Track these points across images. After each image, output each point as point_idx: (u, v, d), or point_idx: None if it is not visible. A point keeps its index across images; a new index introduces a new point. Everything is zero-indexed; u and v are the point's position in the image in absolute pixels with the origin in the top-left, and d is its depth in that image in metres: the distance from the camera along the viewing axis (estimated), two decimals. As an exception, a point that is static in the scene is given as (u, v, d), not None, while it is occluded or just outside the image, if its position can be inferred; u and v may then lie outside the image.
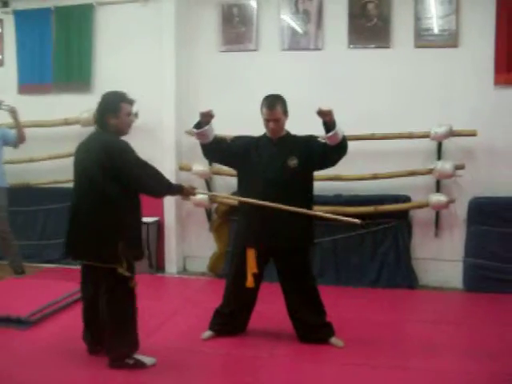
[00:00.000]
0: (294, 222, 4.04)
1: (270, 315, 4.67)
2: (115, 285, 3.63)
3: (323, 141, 4.00)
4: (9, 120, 5.96)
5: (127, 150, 3.64)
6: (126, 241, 3.60)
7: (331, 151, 4.01)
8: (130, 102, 3.80)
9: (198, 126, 4.15)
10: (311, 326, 4.22)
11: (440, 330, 4.58)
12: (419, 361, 3.94)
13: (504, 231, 5.63)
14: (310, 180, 4.20)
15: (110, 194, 3.56)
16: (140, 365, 3.70)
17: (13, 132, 5.96)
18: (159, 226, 6.51)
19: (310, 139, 4.13)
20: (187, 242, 6.66)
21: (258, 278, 4.16)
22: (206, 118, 4.11)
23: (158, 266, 6.51)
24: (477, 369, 3.80)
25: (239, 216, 4.37)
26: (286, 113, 4.10)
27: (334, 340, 4.20)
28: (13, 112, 5.81)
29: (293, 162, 4.04)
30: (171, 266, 6.48)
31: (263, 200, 3.99)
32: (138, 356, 3.74)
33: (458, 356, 4.02)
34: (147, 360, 3.75)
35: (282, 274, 4.22)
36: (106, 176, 3.55)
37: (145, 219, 6.31)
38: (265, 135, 4.20)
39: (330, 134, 3.90)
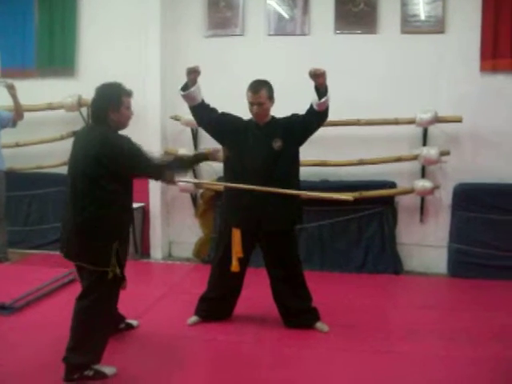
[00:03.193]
0: (280, 204, 4.04)
1: (255, 300, 4.67)
2: (100, 288, 3.41)
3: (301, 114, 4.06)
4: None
5: (128, 145, 3.43)
6: (120, 240, 3.48)
7: (314, 117, 4.02)
8: (129, 95, 3.59)
9: (186, 87, 4.13)
10: (297, 311, 4.24)
11: (424, 314, 4.62)
12: (404, 345, 3.97)
13: (488, 217, 5.67)
14: (296, 162, 4.19)
15: (107, 191, 3.36)
16: (100, 376, 3.40)
17: (7, 112, 5.92)
18: (144, 212, 6.48)
19: (291, 117, 4.16)
20: (172, 227, 6.63)
21: (244, 263, 4.15)
22: (193, 74, 4.07)
23: (143, 251, 6.48)
24: (460, 353, 3.84)
25: (223, 199, 4.34)
26: (271, 98, 4.08)
27: (319, 325, 4.23)
28: (11, 88, 5.76)
29: (277, 144, 4.04)
30: (156, 252, 6.46)
31: (250, 184, 3.98)
32: (97, 366, 3.41)
33: (441, 341, 4.06)
34: (107, 370, 3.44)
35: (267, 258, 4.22)
36: (104, 173, 3.34)
37: (130, 205, 6.31)
38: (251, 120, 4.19)
39: (323, 99, 3.92)
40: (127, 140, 3.47)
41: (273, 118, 4.19)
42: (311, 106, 4.03)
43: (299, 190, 4.21)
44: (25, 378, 3.45)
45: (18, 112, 5.90)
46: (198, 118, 4.35)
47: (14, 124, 5.97)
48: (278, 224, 4.09)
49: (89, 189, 3.36)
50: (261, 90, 4.02)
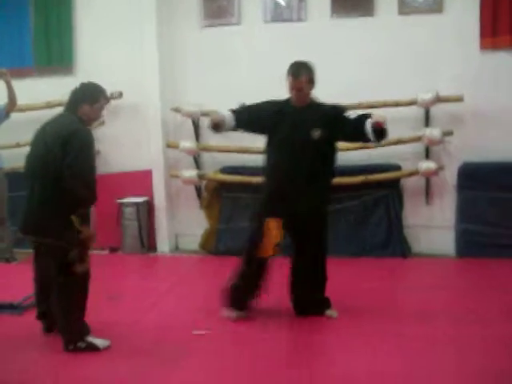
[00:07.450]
0: (316, 191, 4.00)
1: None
2: (64, 266, 3.59)
3: (351, 117, 3.93)
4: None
5: (84, 146, 3.60)
6: (79, 216, 3.58)
7: (363, 136, 3.92)
8: (107, 101, 3.96)
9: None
10: (312, 302, 4.22)
11: (433, 296, 4.60)
12: (413, 327, 3.96)
13: (494, 196, 5.64)
14: (333, 150, 4.09)
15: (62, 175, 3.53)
16: (92, 348, 3.67)
17: None
18: (149, 206, 6.46)
19: (338, 112, 4.02)
20: (178, 220, 6.61)
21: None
22: (218, 128, 4.08)
23: (150, 245, 6.47)
24: (469, 334, 3.83)
25: (263, 189, 4.20)
26: (311, 81, 3.96)
27: (329, 311, 4.21)
28: (4, 74, 5.72)
29: (316, 133, 3.91)
30: (163, 245, 6.46)
31: (287, 169, 3.95)
32: (91, 338, 3.69)
33: (450, 322, 4.05)
34: (100, 342, 3.70)
35: (299, 244, 4.12)
36: (59, 158, 3.54)
37: (134, 199, 6.36)
38: (289, 101, 4.06)
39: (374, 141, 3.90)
40: (91, 141, 3.67)
41: (312, 101, 4.06)
42: (363, 123, 3.86)
43: (333, 176, 4.19)
44: (36, 376, 3.47)
45: (11, 101, 5.81)
46: (240, 130, 4.34)
47: (7, 115, 5.88)
48: (314, 210, 4.04)
49: (45, 167, 3.62)
50: (300, 75, 3.91)
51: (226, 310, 4.19)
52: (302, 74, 3.92)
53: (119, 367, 3.53)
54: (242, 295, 4.17)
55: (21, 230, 3.83)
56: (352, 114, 4.00)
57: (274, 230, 3.97)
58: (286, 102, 4.07)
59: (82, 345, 3.65)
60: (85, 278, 3.71)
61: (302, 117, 3.97)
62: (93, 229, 3.85)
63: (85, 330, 3.71)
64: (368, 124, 3.81)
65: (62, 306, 3.65)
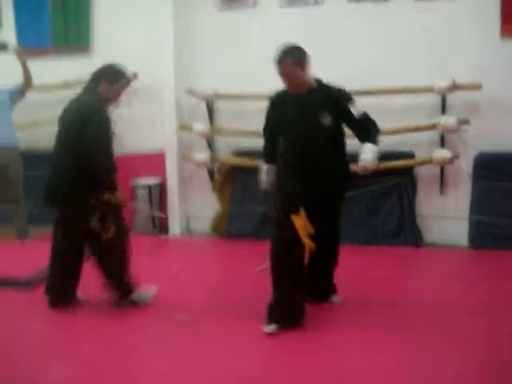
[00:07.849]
0: (328, 177, 3.83)
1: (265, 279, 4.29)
2: (92, 237, 3.93)
3: (355, 113, 3.77)
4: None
5: (102, 121, 3.87)
6: (110, 185, 3.94)
7: (355, 131, 3.90)
8: (128, 82, 4.09)
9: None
10: (320, 290, 4.19)
11: (443, 286, 4.54)
12: (421, 318, 3.90)
13: (510, 186, 5.53)
14: (341, 133, 3.92)
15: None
16: (143, 300, 4.10)
17: (14, 85, 5.90)
18: (162, 187, 6.49)
19: (342, 99, 3.80)
20: (190, 202, 6.63)
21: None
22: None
23: (162, 226, 6.50)
24: (479, 325, 3.77)
25: (279, 182, 4.05)
26: (298, 64, 3.67)
27: (334, 297, 4.20)
28: (20, 53, 5.78)
29: (326, 119, 3.72)
30: (175, 227, 6.48)
31: (298, 158, 3.81)
32: (139, 291, 4.10)
33: (460, 313, 3.99)
34: (148, 291, 4.15)
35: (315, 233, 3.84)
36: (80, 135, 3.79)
37: (147, 181, 6.36)
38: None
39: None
40: (106, 120, 3.90)
41: (318, 84, 3.82)
42: (362, 133, 3.84)
43: (346, 161, 4.05)
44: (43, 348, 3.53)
45: (27, 80, 5.86)
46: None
47: (23, 94, 5.94)
48: (328, 198, 3.90)
49: (69, 147, 3.91)
50: (285, 59, 3.67)
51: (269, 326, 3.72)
52: (285, 58, 3.68)
53: (127, 341, 3.63)
54: (291, 306, 3.76)
55: (43, 200, 4.04)
56: (356, 107, 3.82)
57: (302, 222, 3.70)
58: (286, 90, 3.87)
59: (133, 297, 4.05)
60: (120, 241, 4.00)
61: (304, 103, 3.77)
62: (124, 193, 4.18)
63: (133, 286, 4.07)
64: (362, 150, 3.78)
65: (109, 268, 4.00)
